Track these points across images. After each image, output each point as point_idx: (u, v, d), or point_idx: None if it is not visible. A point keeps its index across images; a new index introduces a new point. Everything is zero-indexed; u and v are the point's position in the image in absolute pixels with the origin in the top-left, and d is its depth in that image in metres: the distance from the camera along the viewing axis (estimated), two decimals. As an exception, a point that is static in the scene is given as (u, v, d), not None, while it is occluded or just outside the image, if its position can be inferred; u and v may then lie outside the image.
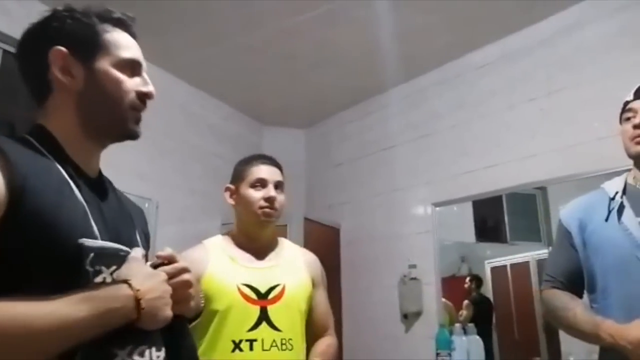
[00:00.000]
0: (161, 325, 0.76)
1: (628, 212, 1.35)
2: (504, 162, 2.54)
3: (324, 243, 3.25)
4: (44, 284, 0.69)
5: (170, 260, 0.84)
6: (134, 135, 0.89)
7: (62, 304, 0.65)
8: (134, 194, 2.61)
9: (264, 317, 1.44)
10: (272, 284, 1.49)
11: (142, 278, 0.74)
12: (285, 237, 3.03)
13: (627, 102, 1.43)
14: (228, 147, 3.37)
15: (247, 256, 1.54)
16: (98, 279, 0.73)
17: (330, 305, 3.30)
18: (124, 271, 0.75)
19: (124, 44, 0.88)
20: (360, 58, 2.87)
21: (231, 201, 1.59)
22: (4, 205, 0.68)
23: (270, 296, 1.47)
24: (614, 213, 1.36)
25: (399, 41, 2.66)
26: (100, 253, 0.74)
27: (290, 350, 1.45)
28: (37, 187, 0.72)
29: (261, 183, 1.55)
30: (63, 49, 0.82)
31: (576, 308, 1.37)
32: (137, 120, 0.89)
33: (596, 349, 2.07)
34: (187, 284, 0.84)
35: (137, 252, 0.81)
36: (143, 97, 0.89)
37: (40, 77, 0.84)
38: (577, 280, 1.42)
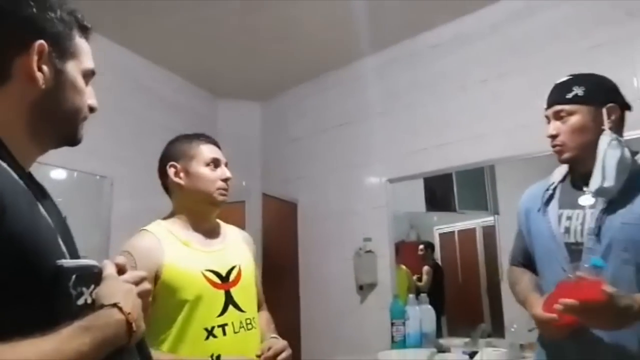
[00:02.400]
0: (138, 340, 0.75)
1: (554, 203, 1.42)
2: (456, 141, 2.65)
3: (282, 218, 3.30)
4: (24, 312, 0.65)
5: (122, 269, 0.81)
6: (78, 143, 0.88)
7: (64, 338, 0.63)
8: (88, 171, 2.58)
9: (229, 300, 1.44)
10: (230, 266, 1.48)
11: (124, 297, 0.73)
12: (244, 213, 3.07)
13: (545, 108, 1.47)
14: (181, 121, 3.30)
15: (199, 238, 1.49)
16: (80, 301, 0.71)
17: (289, 277, 3.39)
18: (104, 291, 0.73)
19: (88, 52, 0.86)
20: (319, 33, 2.86)
21: (178, 180, 1.50)
22: None
23: (231, 278, 1.47)
24: (543, 204, 1.45)
25: (357, 18, 2.67)
26: (80, 274, 0.71)
27: (253, 329, 1.47)
28: (14, 204, 0.66)
29: (215, 163, 1.52)
30: (45, 43, 0.77)
31: (521, 282, 1.48)
32: (82, 130, 0.88)
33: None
34: (148, 293, 0.83)
35: (111, 268, 0.78)
36: (90, 110, 0.88)
37: (2, 60, 0.76)
38: (532, 259, 1.51)
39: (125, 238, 1.49)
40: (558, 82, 1.46)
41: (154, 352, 1.34)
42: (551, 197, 1.44)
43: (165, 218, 1.54)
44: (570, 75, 1.44)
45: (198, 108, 3.55)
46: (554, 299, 1.20)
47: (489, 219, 2.65)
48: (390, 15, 2.69)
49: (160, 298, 1.36)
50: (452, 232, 2.88)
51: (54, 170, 2.45)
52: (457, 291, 2.81)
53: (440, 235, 2.92)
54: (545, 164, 2.28)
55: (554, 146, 1.41)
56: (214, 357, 1.34)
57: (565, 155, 1.40)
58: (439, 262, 2.89)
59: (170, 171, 1.51)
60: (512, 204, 2.52)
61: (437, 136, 2.74)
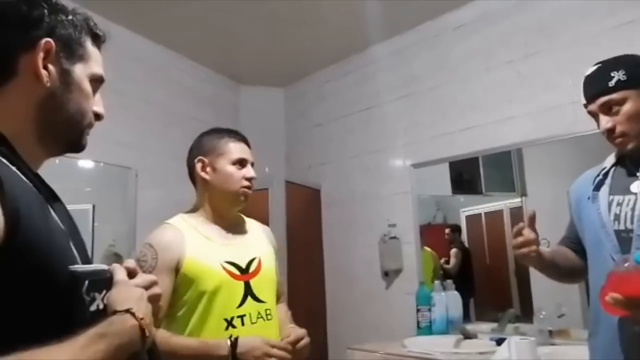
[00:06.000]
0: (150, 345, 0.75)
1: (604, 189, 1.34)
2: (481, 125, 2.59)
3: (305, 204, 3.31)
4: (38, 319, 0.65)
5: (132, 272, 0.80)
6: (82, 149, 0.86)
7: (80, 346, 0.63)
8: (115, 163, 2.61)
9: (248, 291, 1.47)
10: (250, 258, 1.52)
11: (136, 303, 0.72)
12: (267, 200, 3.08)
13: (585, 105, 1.37)
14: (206, 109, 3.33)
15: (220, 233, 1.54)
16: (93, 307, 0.70)
17: (314, 264, 3.41)
18: (116, 296, 0.72)
19: (98, 59, 0.86)
20: (340, 17, 2.82)
21: (204, 174, 1.53)
22: (2, 232, 0.61)
23: (251, 270, 1.50)
24: (593, 190, 1.36)
25: (379, 0, 2.64)
26: (93, 279, 0.71)
27: (271, 320, 1.51)
28: (28, 209, 0.66)
29: (241, 162, 1.54)
30: (53, 42, 0.77)
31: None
32: (87, 136, 0.87)
33: (565, 302, 2.22)
34: (159, 297, 0.82)
35: (122, 273, 0.77)
36: (96, 117, 0.87)
37: (9, 55, 0.75)
38: (582, 244, 1.45)
39: (151, 228, 1.53)
40: (589, 73, 1.35)
41: (177, 337, 1.37)
42: (601, 182, 1.35)
43: (188, 212, 1.57)
44: (599, 63, 1.34)
45: (222, 96, 3.56)
46: (607, 290, 1.12)
47: (516, 201, 2.60)
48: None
49: (181, 290, 1.42)
50: (479, 215, 2.83)
51: (81, 160, 2.50)
52: (485, 274, 2.77)
53: (467, 217, 2.87)
54: (574, 145, 2.24)
55: (614, 139, 1.31)
56: (232, 338, 1.37)
57: (630, 146, 1.29)
58: (466, 244, 2.85)
59: (198, 165, 1.54)
60: (540, 186, 2.51)
61: (462, 119, 2.68)
